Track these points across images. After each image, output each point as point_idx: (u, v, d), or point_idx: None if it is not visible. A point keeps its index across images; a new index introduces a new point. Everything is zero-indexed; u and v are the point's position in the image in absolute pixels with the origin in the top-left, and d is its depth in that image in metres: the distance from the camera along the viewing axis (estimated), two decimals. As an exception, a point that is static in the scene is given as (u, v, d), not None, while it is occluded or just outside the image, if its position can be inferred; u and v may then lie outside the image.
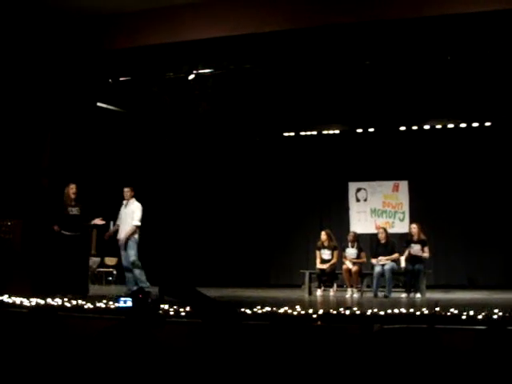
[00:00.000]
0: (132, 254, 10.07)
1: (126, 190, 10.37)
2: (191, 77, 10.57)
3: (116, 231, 10.45)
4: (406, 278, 11.19)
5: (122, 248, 10.23)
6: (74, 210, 9.99)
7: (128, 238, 10.09)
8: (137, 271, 10.01)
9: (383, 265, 11.05)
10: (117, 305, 6.79)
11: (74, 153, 10.56)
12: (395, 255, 11.18)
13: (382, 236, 11.48)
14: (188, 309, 6.92)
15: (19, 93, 10.22)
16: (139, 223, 10.20)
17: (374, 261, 11.27)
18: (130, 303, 5.63)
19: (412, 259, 11.04)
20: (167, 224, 10.83)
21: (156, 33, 9.62)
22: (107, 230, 10.89)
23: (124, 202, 10.40)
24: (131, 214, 10.23)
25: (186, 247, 14.04)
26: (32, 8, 9.46)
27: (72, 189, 9.98)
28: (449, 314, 6.62)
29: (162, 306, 6.76)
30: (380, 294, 11.01)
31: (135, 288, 9.41)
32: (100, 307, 7.82)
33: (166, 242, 12.42)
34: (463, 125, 13.26)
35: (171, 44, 9.61)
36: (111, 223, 14.43)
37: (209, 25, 9.35)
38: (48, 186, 10.41)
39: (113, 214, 10.76)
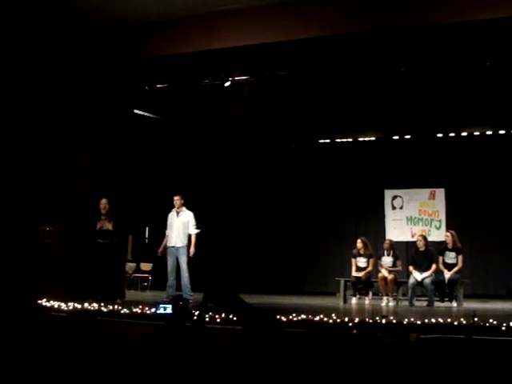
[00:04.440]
0: (185, 259, 10.22)
1: (177, 198, 10.42)
2: (227, 84, 10.62)
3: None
4: (439, 287, 10.99)
5: (173, 254, 10.31)
6: (105, 226, 10.03)
7: (184, 246, 10.27)
8: (187, 278, 10.13)
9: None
10: (156, 311, 6.83)
11: (111, 159, 10.69)
12: (434, 267, 10.92)
13: (420, 244, 11.23)
14: (224, 315, 6.94)
15: (58, 101, 10.39)
16: (198, 230, 10.43)
17: (412, 269, 11.06)
18: (169, 310, 5.67)
19: (448, 268, 10.87)
20: (206, 232, 10.94)
21: (192, 40, 9.70)
22: (143, 236, 10.97)
23: (174, 210, 10.45)
24: (186, 222, 10.35)
25: (229, 254, 14.06)
26: (72, 18, 9.63)
27: (102, 204, 10.01)
28: (487, 324, 6.50)
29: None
30: (417, 304, 10.87)
31: (176, 294, 9.50)
32: (137, 313, 7.88)
33: (207, 249, 12.48)
34: (502, 131, 13.06)
35: (207, 51, 9.67)
36: (146, 229, 14.55)
37: (245, 32, 9.40)
38: (85, 192, 10.55)
39: (151, 221, 10.81)
